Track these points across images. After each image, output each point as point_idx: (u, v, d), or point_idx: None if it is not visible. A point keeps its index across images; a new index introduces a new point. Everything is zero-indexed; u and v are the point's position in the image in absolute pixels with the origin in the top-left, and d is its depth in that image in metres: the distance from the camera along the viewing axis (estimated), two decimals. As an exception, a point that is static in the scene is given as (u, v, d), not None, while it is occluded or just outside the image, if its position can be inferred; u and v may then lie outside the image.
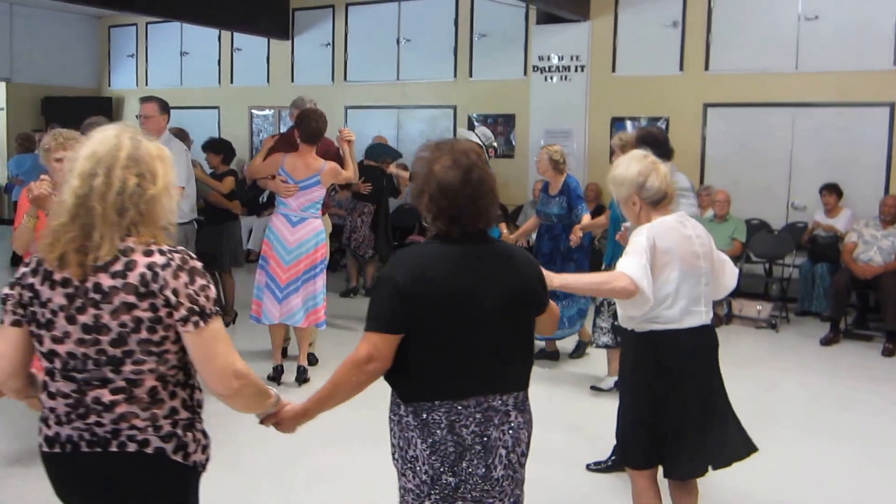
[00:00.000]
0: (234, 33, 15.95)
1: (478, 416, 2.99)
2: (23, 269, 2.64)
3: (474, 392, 3.00)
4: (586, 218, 8.00)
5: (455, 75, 13.72)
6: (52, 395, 2.62)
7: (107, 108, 17.87)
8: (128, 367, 2.54)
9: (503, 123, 13.37)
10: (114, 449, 2.58)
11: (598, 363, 7.93)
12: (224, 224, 9.64)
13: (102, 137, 2.59)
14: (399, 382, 3.04)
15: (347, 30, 14.77)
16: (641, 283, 3.87)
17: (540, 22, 12.55)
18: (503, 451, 3.03)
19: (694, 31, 11.63)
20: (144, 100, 7.52)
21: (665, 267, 4.01)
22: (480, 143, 8.73)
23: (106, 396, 2.56)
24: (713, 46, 11.51)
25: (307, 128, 7.22)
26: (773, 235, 10.72)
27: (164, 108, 7.43)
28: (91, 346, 2.53)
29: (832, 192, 10.41)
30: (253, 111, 16.23)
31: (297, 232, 7.29)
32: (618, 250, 5.20)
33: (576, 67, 12.33)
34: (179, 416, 2.66)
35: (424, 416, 2.98)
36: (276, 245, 7.32)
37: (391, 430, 3.12)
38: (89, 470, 2.63)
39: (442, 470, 2.98)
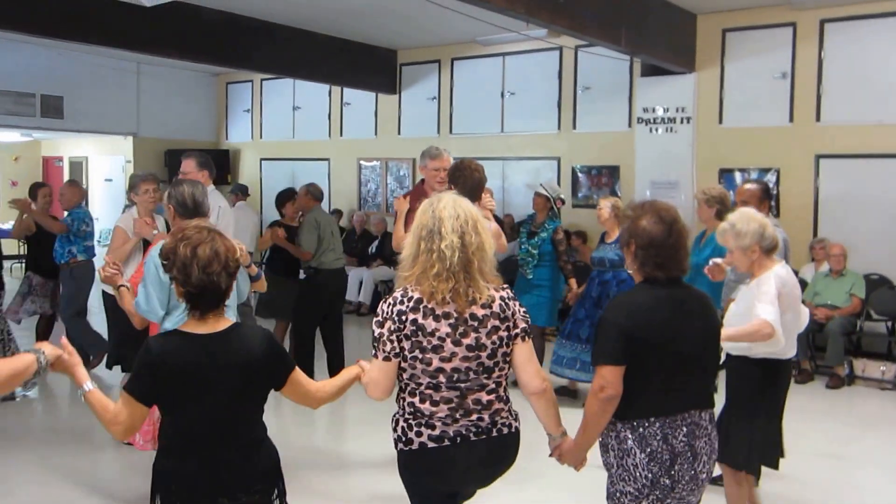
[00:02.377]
0: (344, 88, 15.88)
1: (685, 429, 3.47)
2: (397, 307, 3.36)
3: (682, 408, 3.49)
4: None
5: (559, 127, 13.31)
6: (435, 403, 3.37)
7: (224, 160, 17.97)
8: (495, 374, 3.42)
9: (607, 175, 12.86)
10: (494, 435, 3.45)
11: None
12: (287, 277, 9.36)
13: (454, 211, 3.41)
14: (620, 403, 3.43)
15: (453, 83, 14.56)
16: (778, 328, 4.54)
17: (645, 74, 12.08)
18: (705, 457, 3.54)
19: (804, 82, 10.98)
20: (185, 156, 7.29)
21: (786, 310, 4.68)
22: (548, 195, 8.77)
23: (484, 398, 3.42)
24: (824, 97, 10.82)
25: (471, 180, 6.17)
26: (894, 292, 9.87)
27: (203, 164, 7.18)
28: (472, 361, 3.36)
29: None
30: (361, 162, 16.00)
31: None
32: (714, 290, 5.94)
33: (682, 119, 11.76)
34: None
35: (641, 430, 3.44)
36: None
37: (607, 444, 3.55)
38: (476, 453, 3.43)
39: (659, 474, 3.43)
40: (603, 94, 12.77)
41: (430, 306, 3.29)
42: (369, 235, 14.86)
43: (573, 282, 8.74)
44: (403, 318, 3.30)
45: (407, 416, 3.44)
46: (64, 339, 3.19)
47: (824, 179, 10.89)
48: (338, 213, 15.71)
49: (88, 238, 9.43)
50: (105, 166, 19.19)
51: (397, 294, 3.37)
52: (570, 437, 3.62)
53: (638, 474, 3.44)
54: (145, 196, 7.27)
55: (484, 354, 3.33)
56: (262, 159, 17.92)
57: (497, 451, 3.49)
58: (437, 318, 3.29)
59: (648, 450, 3.42)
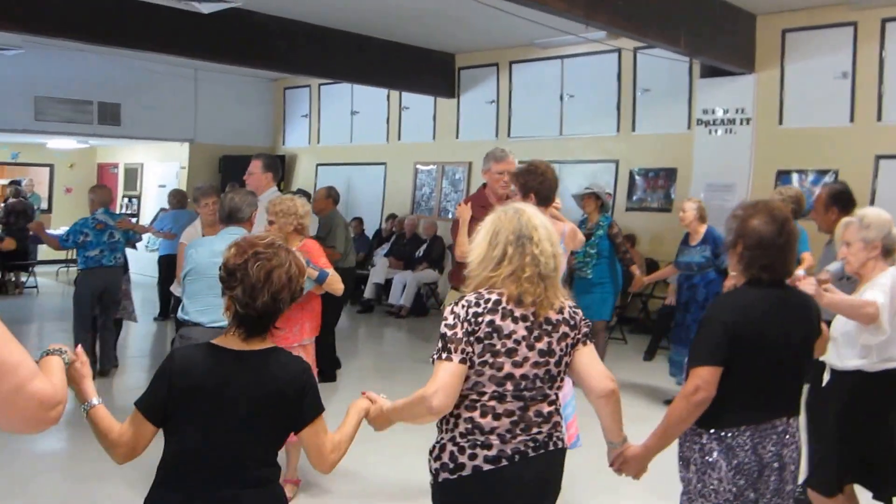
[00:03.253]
0: (403, 92, 15.96)
1: (774, 437, 3.33)
2: (479, 307, 3.15)
3: (773, 416, 3.35)
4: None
5: (618, 130, 13.31)
6: (497, 416, 3.10)
7: (280, 166, 18.01)
8: (557, 384, 3.22)
9: (664, 177, 12.86)
10: (551, 448, 3.18)
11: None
12: None
13: (538, 221, 3.27)
14: (706, 410, 3.27)
15: (511, 87, 14.59)
16: (883, 314, 4.15)
17: (704, 76, 12.04)
18: (792, 467, 3.41)
19: (865, 81, 10.88)
20: (255, 156, 7.39)
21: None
22: (597, 192, 8.82)
23: (545, 409, 3.18)
24: (886, 97, 10.72)
25: (547, 185, 5.42)
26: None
27: (268, 166, 7.25)
28: (542, 367, 3.16)
29: None
30: (418, 166, 16.07)
31: None
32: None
33: (741, 120, 11.70)
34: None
35: (728, 440, 3.29)
36: None
37: (688, 457, 3.41)
38: (533, 470, 3.14)
39: (745, 487, 3.28)
40: (662, 96, 12.75)
41: (509, 307, 3.12)
42: (418, 239, 14.90)
43: (635, 268, 8.73)
44: (479, 319, 3.09)
45: (459, 436, 3.10)
46: (79, 348, 2.84)
47: (882, 180, 10.78)
48: (358, 220, 15.84)
49: (90, 247, 9.06)
50: (159, 172, 19.41)
51: (471, 297, 3.16)
52: (632, 443, 3.44)
53: (722, 489, 3.28)
54: (205, 209, 7.34)
55: (552, 361, 3.15)
56: (318, 164, 18.06)
57: (553, 468, 3.24)
58: (515, 320, 3.11)
59: (735, 462, 3.26)
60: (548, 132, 14.02)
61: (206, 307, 5.37)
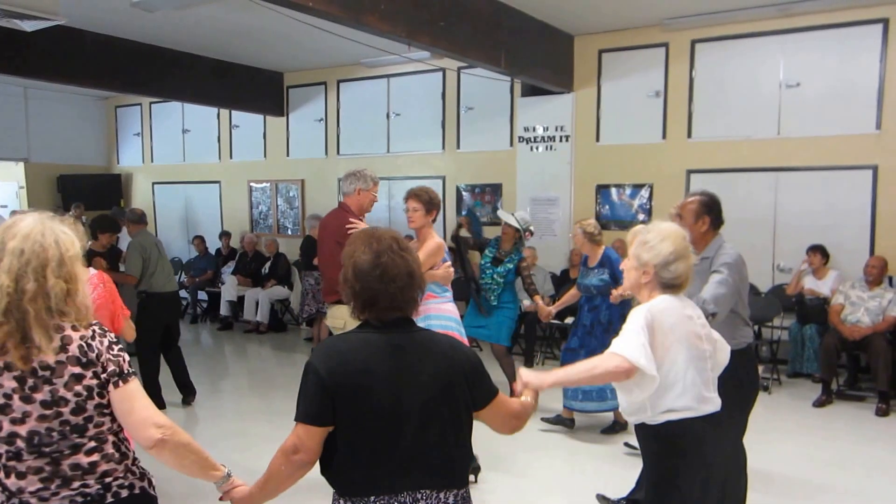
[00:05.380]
0: (233, 111, 15.54)
1: None
2: None
3: (410, 487, 2.72)
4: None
5: (443, 147, 13.17)
6: (23, 475, 2.58)
7: (116, 185, 17.56)
8: (92, 431, 2.61)
9: (490, 192, 12.80)
10: (110, 500, 2.66)
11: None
12: None
13: (28, 234, 2.59)
14: (331, 473, 2.77)
15: (339, 105, 14.30)
16: (638, 360, 3.37)
17: (525, 94, 12.04)
18: None
19: (676, 100, 11.05)
20: None
21: (670, 348, 3.48)
22: (519, 226, 8.43)
23: (84, 460, 2.61)
24: (695, 115, 10.92)
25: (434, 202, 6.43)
26: (760, 298, 10.02)
27: None
28: (53, 419, 2.56)
29: (818, 252, 9.76)
30: (252, 184, 15.63)
31: None
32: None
33: (560, 137, 11.78)
34: (138, 459, 2.79)
35: None
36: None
37: None
38: None
39: None
40: (485, 114, 12.69)
41: None
42: (262, 256, 14.56)
43: (538, 298, 8.39)
44: None
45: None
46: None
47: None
48: (226, 234, 15.47)
49: None
50: (-1, 193, 18.47)
51: None
52: (242, 484, 2.98)
53: None
54: None
55: (66, 410, 2.57)
56: (154, 183, 17.38)
57: None
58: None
59: None
60: (376, 149, 13.80)
61: None
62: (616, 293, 7.18)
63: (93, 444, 2.62)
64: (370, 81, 13.82)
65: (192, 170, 16.57)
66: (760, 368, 9.17)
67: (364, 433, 2.69)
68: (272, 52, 13.03)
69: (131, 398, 2.66)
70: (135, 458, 2.80)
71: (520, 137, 12.11)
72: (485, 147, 12.77)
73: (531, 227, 8.65)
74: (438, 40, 8.85)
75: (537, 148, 11.96)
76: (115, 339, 2.71)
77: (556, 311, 8.35)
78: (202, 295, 15.35)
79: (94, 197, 16.43)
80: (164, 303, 8.79)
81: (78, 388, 2.58)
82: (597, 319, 7.67)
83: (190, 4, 9.50)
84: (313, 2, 7.11)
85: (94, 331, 2.66)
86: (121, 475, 2.68)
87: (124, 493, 2.69)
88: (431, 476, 2.74)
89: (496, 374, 8.92)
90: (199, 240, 15.47)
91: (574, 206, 11.82)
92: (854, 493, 6.27)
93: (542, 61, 11.12)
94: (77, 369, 2.58)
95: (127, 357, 2.71)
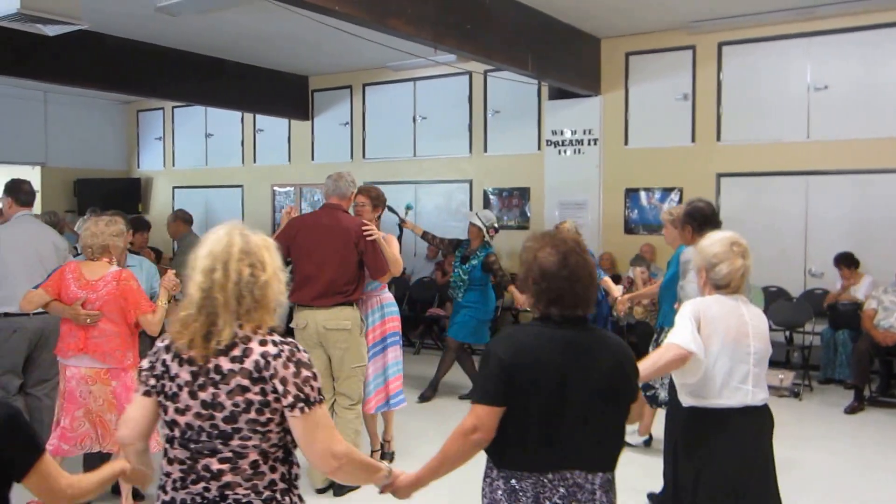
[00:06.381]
0: (257, 115, 15.73)
1: (561, 490, 3.01)
2: (158, 345, 2.86)
3: (561, 467, 3.02)
4: (606, 281, 8.05)
5: (470, 151, 13.33)
6: (170, 462, 2.81)
7: (136, 189, 17.70)
8: (235, 442, 2.72)
9: (518, 196, 12.94)
10: None
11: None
12: None
13: (216, 237, 2.80)
14: (494, 449, 3.07)
15: (365, 109, 14.47)
16: (689, 345, 3.85)
17: (552, 98, 12.18)
18: None
19: (704, 103, 11.20)
20: None
21: (709, 338, 3.93)
22: (482, 224, 8.90)
23: (214, 465, 2.74)
24: (724, 118, 11.05)
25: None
26: (791, 303, 10.13)
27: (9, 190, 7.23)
28: (206, 420, 2.72)
29: (847, 263, 9.82)
30: (275, 188, 15.82)
31: None
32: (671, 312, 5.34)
33: (588, 141, 11.91)
34: (277, 487, 2.80)
35: (513, 482, 3.02)
36: None
37: (483, 489, 3.16)
38: None
39: None
40: (512, 117, 12.82)
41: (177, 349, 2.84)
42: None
43: (513, 287, 8.71)
44: (158, 356, 2.91)
45: (163, 474, 2.90)
46: None
47: (724, 197, 11.11)
48: None
49: None
50: (14, 196, 18.66)
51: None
52: (403, 472, 3.22)
53: None
54: None
55: (219, 416, 2.73)
56: (174, 187, 17.61)
57: None
58: (181, 363, 2.81)
59: None
60: (402, 153, 13.97)
61: None
62: (621, 307, 7.85)
63: (229, 454, 2.72)
64: (396, 85, 13.99)
65: (215, 174, 16.77)
66: (792, 375, 9.34)
67: (532, 416, 2.97)
68: (297, 55, 13.21)
69: (314, 428, 2.75)
70: (285, 489, 2.83)
71: (547, 141, 12.25)
72: (512, 150, 12.91)
73: (495, 225, 9.10)
74: (465, 43, 8.99)
75: (565, 151, 12.09)
76: (308, 363, 2.78)
77: (629, 299, 8.71)
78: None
79: (112, 201, 16.52)
80: None
81: (238, 399, 2.69)
82: None
83: (213, 8, 9.69)
84: (339, 5, 7.21)
85: (281, 350, 2.73)
86: (242, 491, 2.74)
87: None
88: (585, 458, 3.04)
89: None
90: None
91: (603, 210, 11.95)
92: (886, 501, 6.34)
93: (570, 64, 11.27)
94: (245, 382, 2.69)
95: (316, 385, 2.77)
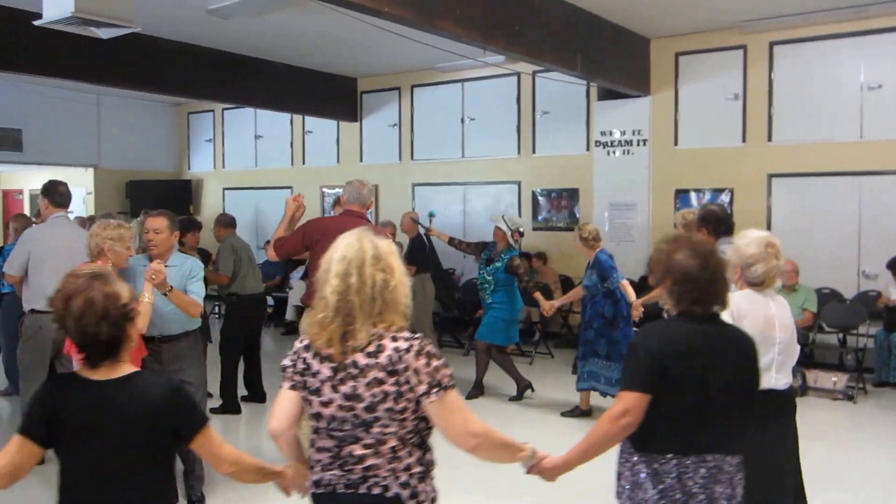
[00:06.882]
0: (306, 117, 15.90)
1: (702, 470, 3.28)
2: (297, 345, 3.12)
3: (702, 450, 3.30)
4: (624, 284, 8.36)
5: (518, 152, 13.40)
6: (318, 450, 3.06)
7: (186, 191, 17.97)
8: (375, 429, 2.96)
9: (567, 197, 12.99)
10: (363, 491, 2.99)
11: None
12: None
13: (347, 243, 3.03)
14: (639, 434, 3.31)
15: (413, 110, 14.60)
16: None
17: (601, 98, 12.22)
18: (723, 502, 3.33)
19: (755, 102, 11.17)
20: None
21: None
22: (507, 228, 9.10)
23: (357, 451, 2.99)
24: (776, 118, 11.02)
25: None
26: (845, 305, 10.07)
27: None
28: (348, 411, 2.97)
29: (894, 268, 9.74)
30: (324, 190, 15.98)
31: None
32: None
33: (638, 141, 11.92)
34: (414, 471, 3.01)
35: (656, 466, 3.30)
36: None
37: (621, 473, 3.43)
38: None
39: None
40: (561, 118, 12.88)
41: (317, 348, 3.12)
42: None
43: (538, 295, 8.99)
44: (299, 354, 3.18)
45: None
46: None
47: (776, 198, 11.09)
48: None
49: None
50: (67, 198, 18.99)
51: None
52: (549, 455, 3.40)
53: None
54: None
55: (360, 406, 2.97)
56: (224, 189, 17.87)
57: None
58: (321, 360, 3.06)
59: (661, 486, 3.30)
60: (450, 154, 14.08)
61: None
62: (636, 312, 8.06)
63: (371, 440, 2.97)
64: (444, 86, 14.11)
65: (264, 175, 17.01)
66: (845, 377, 9.29)
67: (676, 402, 3.26)
68: (346, 57, 13.35)
69: (450, 410, 2.98)
70: (421, 475, 3.03)
71: (596, 142, 12.28)
72: (561, 151, 12.95)
73: (520, 229, 9.26)
74: (513, 44, 9.05)
75: (614, 152, 12.12)
76: (437, 353, 3.01)
77: (558, 304, 9.33)
78: (269, 300, 15.69)
79: (163, 203, 16.70)
80: (252, 304, 9.15)
81: (375, 390, 2.92)
82: (596, 313, 8.36)
83: (264, 11, 9.86)
84: (388, 6, 7.29)
85: (411, 345, 2.95)
86: (383, 473, 2.98)
87: (376, 490, 2.98)
88: (721, 443, 3.33)
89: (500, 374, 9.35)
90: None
91: (652, 211, 11.95)
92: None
93: (619, 65, 11.30)
94: (381, 374, 2.93)
95: (447, 371, 2.98)
